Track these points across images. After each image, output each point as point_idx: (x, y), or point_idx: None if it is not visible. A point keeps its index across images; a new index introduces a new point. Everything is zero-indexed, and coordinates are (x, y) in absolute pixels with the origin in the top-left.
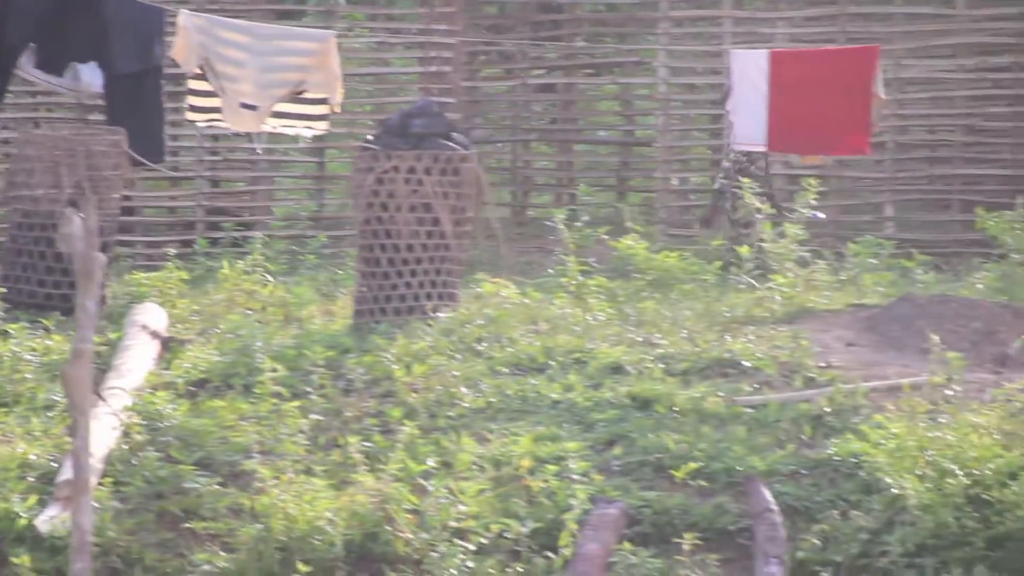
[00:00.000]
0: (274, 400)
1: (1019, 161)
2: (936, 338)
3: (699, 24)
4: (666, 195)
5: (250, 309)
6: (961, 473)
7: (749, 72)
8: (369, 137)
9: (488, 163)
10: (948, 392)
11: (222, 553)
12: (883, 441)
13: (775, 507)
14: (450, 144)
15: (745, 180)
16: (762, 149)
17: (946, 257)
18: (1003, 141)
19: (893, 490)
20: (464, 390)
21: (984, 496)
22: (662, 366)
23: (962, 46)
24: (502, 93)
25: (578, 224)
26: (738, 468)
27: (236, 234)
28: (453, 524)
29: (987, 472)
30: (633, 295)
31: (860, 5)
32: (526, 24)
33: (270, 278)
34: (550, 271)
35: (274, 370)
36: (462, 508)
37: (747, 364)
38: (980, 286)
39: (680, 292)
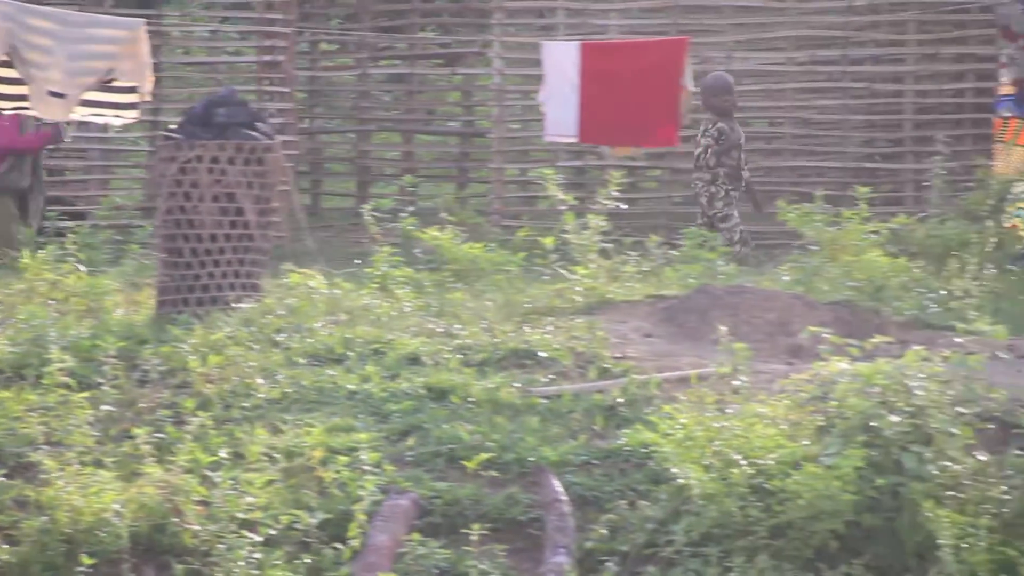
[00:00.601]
0: (62, 391)
1: (849, 153)
2: (724, 329)
3: (533, 15)
4: (500, 186)
5: (53, 299)
6: (745, 463)
7: (561, 64)
8: (172, 126)
9: (332, 152)
10: (736, 383)
11: (5, 546)
12: (671, 432)
13: (565, 497)
14: (254, 134)
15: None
16: (573, 140)
17: (772, 249)
18: (833, 133)
19: (680, 480)
20: (260, 381)
21: (767, 486)
22: (460, 357)
23: (792, 39)
24: (346, 83)
25: (403, 215)
26: (530, 458)
27: (66, 223)
28: (241, 515)
29: (771, 462)
30: (439, 286)
31: None
32: (371, 14)
33: (81, 268)
34: (356, 262)
35: (63, 360)
36: (250, 499)
37: (543, 355)
38: (787, 278)
39: (485, 283)
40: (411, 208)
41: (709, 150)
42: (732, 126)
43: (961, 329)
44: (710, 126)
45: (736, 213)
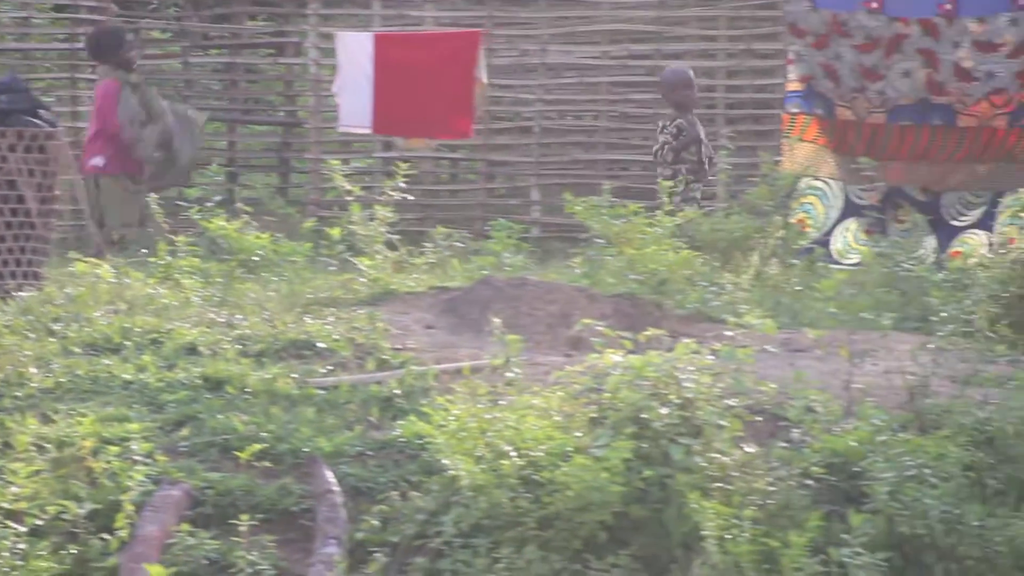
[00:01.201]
0: None
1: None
2: (498, 321)
3: (348, 6)
4: (316, 177)
5: None
6: (516, 455)
7: (355, 54)
8: None
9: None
10: (510, 374)
11: None
12: (444, 423)
13: (337, 488)
14: (36, 121)
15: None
16: (367, 131)
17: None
18: (647, 127)
19: (450, 472)
20: (33, 370)
21: (537, 477)
22: (238, 347)
23: (606, 32)
24: (171, 72)
25: (209, 204)
26: (304, 449)
27: None
28: (6, 506)
29: (541, 454)
30: (228, 276)
31: None
32: (195, 3)
33: None
34: (143, 251)
35: None
36: (15, 489)
37: (323, 346)
38: (578, 270)
39: (270, 273)
40: (218, 198)
41: (667, 146)
42: (691, 121)
43: (732, 322)
44: (668, 123)
45: (696, 207)
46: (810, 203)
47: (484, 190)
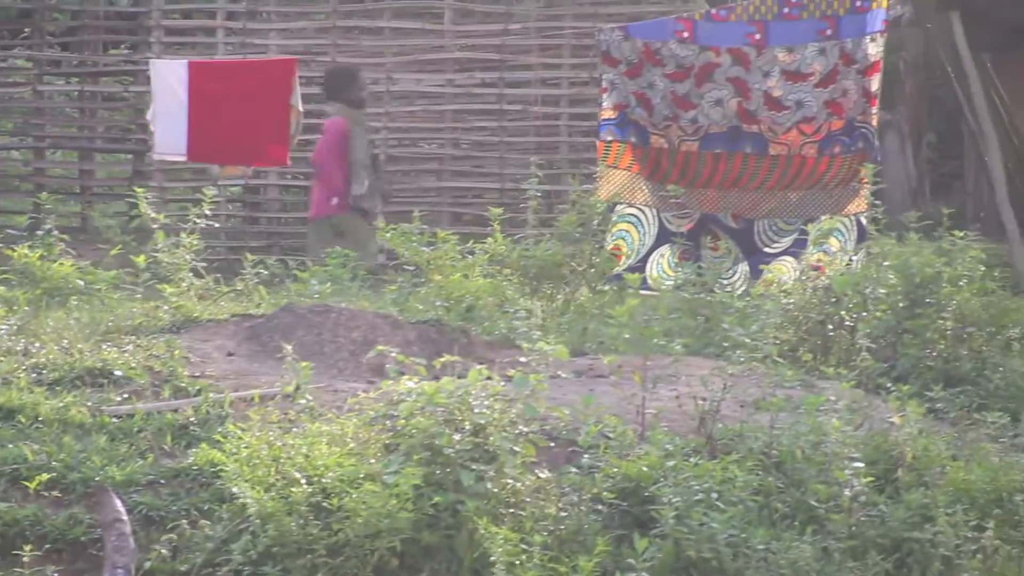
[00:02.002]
0: None
1: (506, 175)
2: (289, 347)
3: (193, 34)
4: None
5: None
6: (306, 482)
7: (169, 82)
8: None
9: (7, 169)
10: (304, 401)
11: None
12: (236, 451)
13: (125, 517)
14: None
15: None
16: (182, 159)
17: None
18: (491, 155)
19: (241, 499)
20: None
21: (326, 504)
22: (33, 376)
23: (451, 61)
24: (18, 99)
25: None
26: (95, 478)
27: None
28: None
29: (332, 480)
30: (32, 304)
31: (350, 19)
32: (42, 31)
33: None
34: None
35: None
36: None
37: (119, 374)
38: (391, 297)
39: (75, 301)
40: (48, 226)
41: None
42: None
43: (527, 348)
44: None
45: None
46: (625, 230)
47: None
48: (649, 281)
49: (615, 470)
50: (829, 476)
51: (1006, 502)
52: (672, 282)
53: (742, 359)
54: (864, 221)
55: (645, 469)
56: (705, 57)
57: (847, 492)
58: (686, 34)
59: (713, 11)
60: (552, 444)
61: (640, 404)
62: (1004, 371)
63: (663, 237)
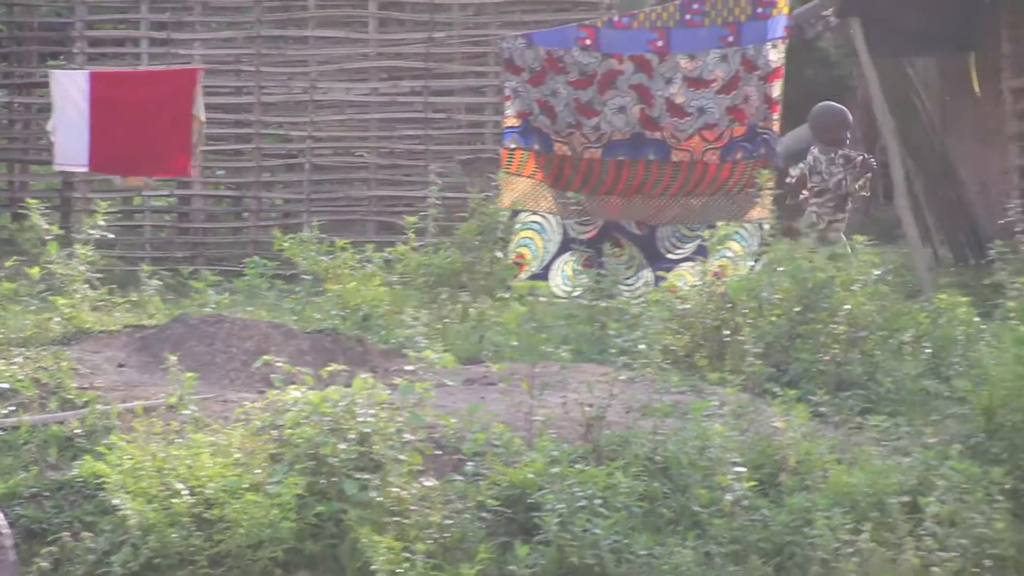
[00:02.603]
0: None
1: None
2: (175, 358)
3: (122, 44)
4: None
5: None
6: (188, 492)
7: (70, 92)
8: None
9: None
10: (188, 411)
11: None
12: (120, 462)
13: (7, 530)
14: None
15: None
16: (83, 169)
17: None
18: (416, 163)
19: (123, 511)
20: None
21: (209, 515)
22: None
23: (376, 69)
24: None
25: None
26: None
27: None
28: None
29: (214, 491)
30: None
31: (275, 28)
32: None
33: None
34: None
35: None
36: None
37: (5, 386)
38: (289, 306)
39: None
40: None
41: (848, 179)
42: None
43: (412, 356)
44: (834, 154)
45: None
46: (529, 238)
47: (256, 228)
48: (553, 288)
49: (501, 477)
50: (712, 481)
51: (884, 505)
52: (571, 289)
53: (629, 365)
54: (765, 226)
55: (531, 476)
56: (607, 64)
57: (729, 497)
58: (588, 41)
59: (615, 18)
60: (439, 452)
61: (528, 411)
62: (894, 375)
63: (566, 244)
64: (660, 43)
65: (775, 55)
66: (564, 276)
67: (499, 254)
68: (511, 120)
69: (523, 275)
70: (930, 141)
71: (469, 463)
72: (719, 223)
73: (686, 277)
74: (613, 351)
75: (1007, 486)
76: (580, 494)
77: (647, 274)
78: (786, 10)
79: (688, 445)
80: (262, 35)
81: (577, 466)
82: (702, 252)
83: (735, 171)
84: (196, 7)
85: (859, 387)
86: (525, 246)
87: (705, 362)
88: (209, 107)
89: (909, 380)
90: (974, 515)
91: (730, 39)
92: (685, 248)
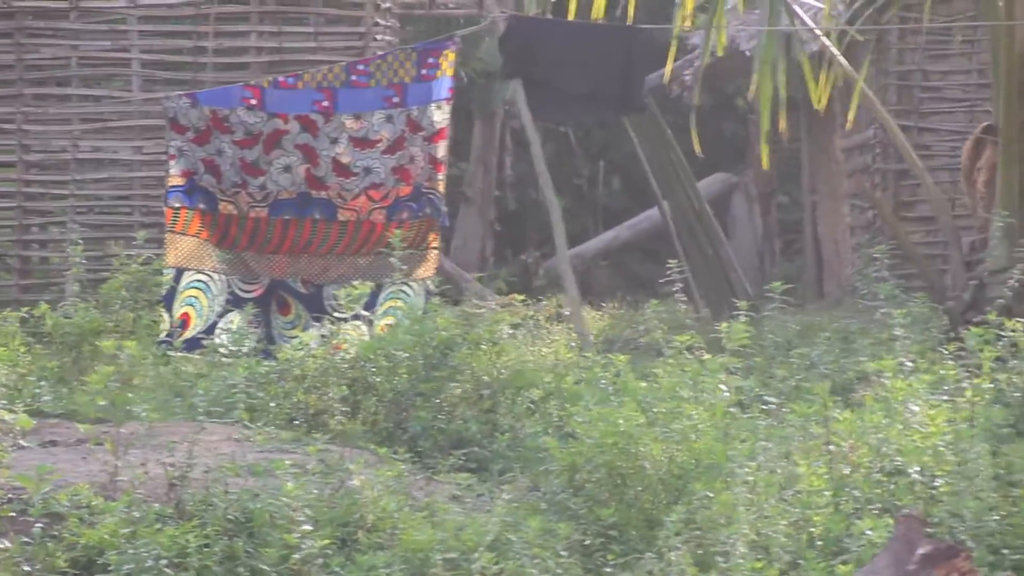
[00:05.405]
0: None
1: None
2: None
3: None
4: None
5: None
6: None
7: None
8: None
9: None
10: None
11: None
12: None
13: None
14: None
15: None
16: None
17: None
18: None
19: None
20: None
21: None
22: None
23: (138, 128)
24: None
25: None
26: None
27: None
28: None
29: None
30: None
31: (39, 86)
32: None
33: None
34: None
35: None
36: None
37: None
38: None
39: None
40: None
41: None
42: None
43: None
44: None
45: None
46: (194, 296)
47: (18, 286)
48: (219, 347)
49: (75, 538)
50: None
51: (461, 560)
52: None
53: (213, 423)
54: (431, 286)
55: (107, 536)
56: (273, 124)
57: (297, 556)
58: (254, 101)
59: (281, 78)
60: (14, 515)
61: (112, 471)
62: (512, 432)
63: (233, 303)
64: (326, 103)
65: (439, 116)
66: (230, 335)
67: (142, 312)
68: (175, 179)
69: (188, 333)
70: (690, 199)
71: (37, 524)
72: (385, 281)
73: (352, 335)
74: (198, 409)
75: (587, 542)
76: (146, 554)
77: (314, 332)
78: (450, 72)
79: (267, 503)
80: (24, 93)
81: (155, 526)
82: (370, 310)
83: (401, 230)
84: None
85: (476, 445)
86: (190, 305)
87: (334, 420)
88: None
89: (527, 437)
90: (536, 571)
91: (395, 100)
92: (352, 306)
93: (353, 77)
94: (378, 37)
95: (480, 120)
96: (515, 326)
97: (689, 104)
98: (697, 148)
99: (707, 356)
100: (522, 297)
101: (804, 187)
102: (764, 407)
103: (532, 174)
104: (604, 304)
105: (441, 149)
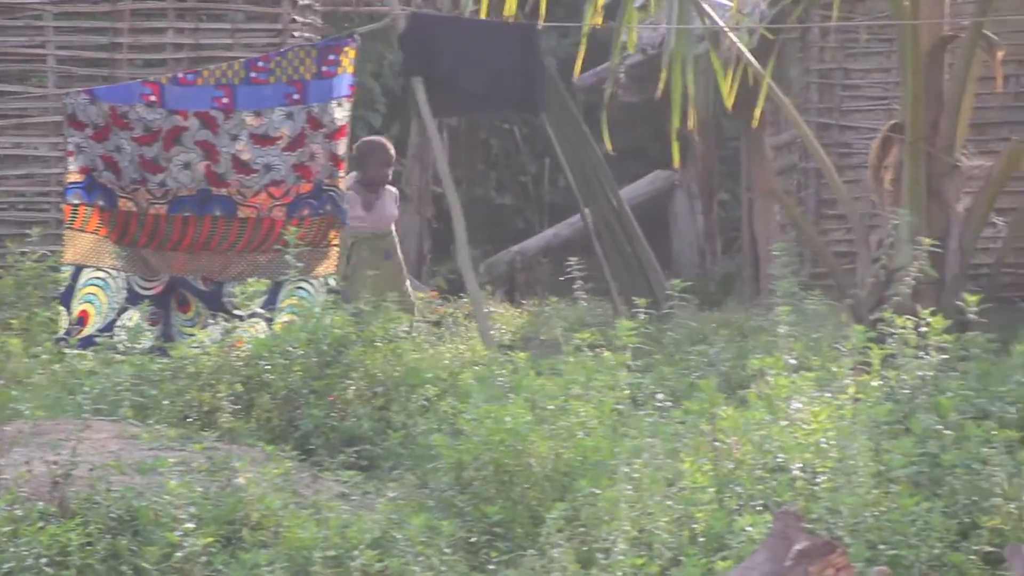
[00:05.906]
0: None
1: None
2: None
3: None
4: None
5: None
6: None
7: None
8: None
9: None
10: None
11: None
12: None
13: None
14: None
15: None
16: None
17: None
18: None
19: None
20: None
21: None
22: None
23: (55, 124)
24: None
25: None
26: None
27: None
28: None
29: None
30: None
31: None
32: None
33: None
34: None
35: None
36: None
37: None
38: None
39: None
40: None
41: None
42: None
43: None
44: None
45: None
46: (93, 294)
47: None
48: (118, 344)
49: None
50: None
51: (344, 557)
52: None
53: (101, 421)
54: (333, 282)
55: None
56: (172, 121)
57: (179, 554)
58: (153, 98)
59: (180, 75)
60: None
61: None
62: (405, 430)
63: (132, 300)
64: (226, 100)
65: (340, 113)
66: (129, 332)
67: (36, 310)
68: (74, 176)
69: (87, 331)
70: (607, 196)
71: None
72: (283, 279)
73: (251, 331)
74: (84, 406)
75: (472, 539)
76: (27, 553)
77: (215, 330)
78: (351, 69)
79: (151, 501)
80: None
81: (37, 525)
82: (269, 307)
83: (301, 227)
84: None
85: (368, 443)
86: (89, 303)
87: (228, 418)
88: None
89: (419, 435)
90: (420, 569)
91: (296, 97)
92: (252, 304)
93: (253, 74)
94: (296, 34)
95: (417, 117)
96: (436, 324)
97: (630, 103)
98: (608, 147)
99: (606, 354)
100: (435, 294)
101: (742, 185)
102: (658, 405)
103: (471, 171)
104: (524, 302)
105: (341, 146)
